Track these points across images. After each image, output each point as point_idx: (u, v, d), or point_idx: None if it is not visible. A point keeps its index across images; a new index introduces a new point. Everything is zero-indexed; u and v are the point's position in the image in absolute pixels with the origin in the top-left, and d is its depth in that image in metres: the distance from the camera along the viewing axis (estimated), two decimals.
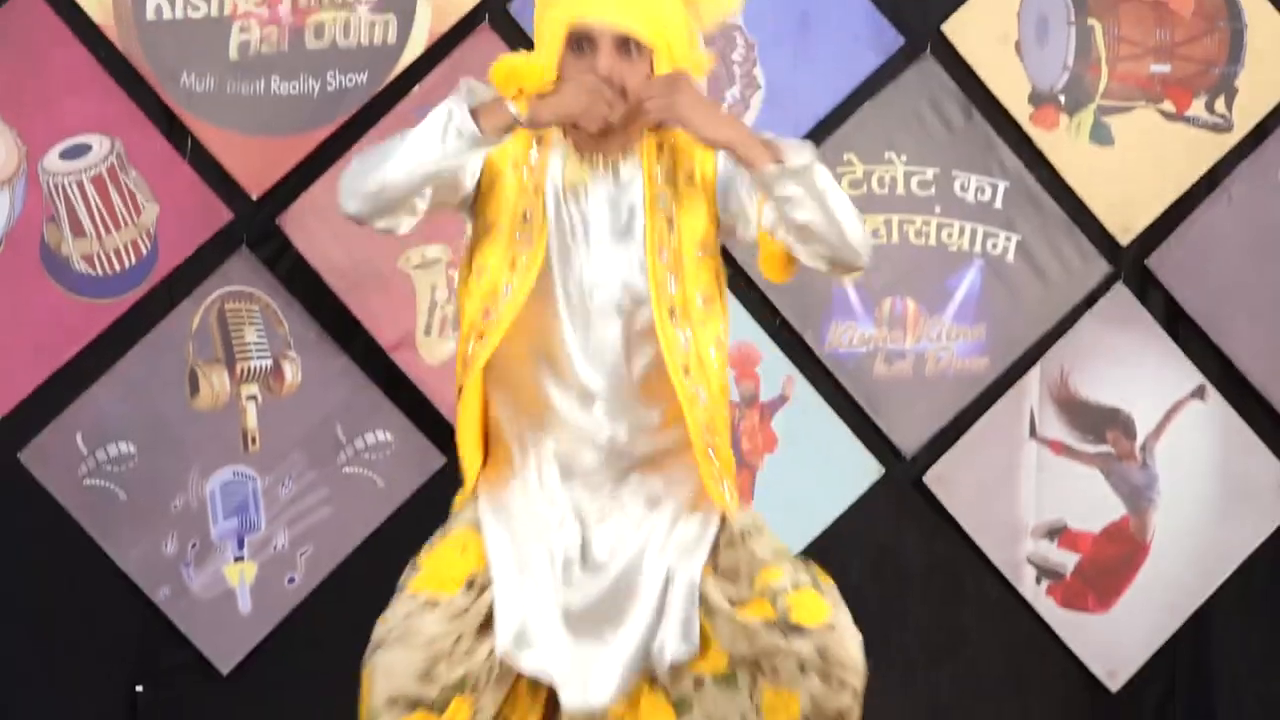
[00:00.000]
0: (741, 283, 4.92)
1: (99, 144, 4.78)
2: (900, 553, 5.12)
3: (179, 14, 4.76)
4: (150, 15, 4.74)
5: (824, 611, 3.08)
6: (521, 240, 3.09)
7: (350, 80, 4.83)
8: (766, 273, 3.19)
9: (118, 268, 4.82)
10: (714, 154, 3.08)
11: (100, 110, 4.77)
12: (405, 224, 3.07)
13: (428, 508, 4.68)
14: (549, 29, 3.01)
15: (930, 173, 5.06)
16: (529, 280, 3.07)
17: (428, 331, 4.89)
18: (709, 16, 3.14)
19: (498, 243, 3.10)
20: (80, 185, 4.78)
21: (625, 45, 2.95)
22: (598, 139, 3.07)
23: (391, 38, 4.84)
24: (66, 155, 4.78)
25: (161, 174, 4.80)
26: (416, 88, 4.83)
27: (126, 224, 4.81)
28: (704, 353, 3.12)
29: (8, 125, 4.73)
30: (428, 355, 4.88)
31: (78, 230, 4.79)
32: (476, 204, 3.14)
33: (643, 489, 3.17)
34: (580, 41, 2.96)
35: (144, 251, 4.82)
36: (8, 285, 4.75)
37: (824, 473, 5.04)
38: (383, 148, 3.01)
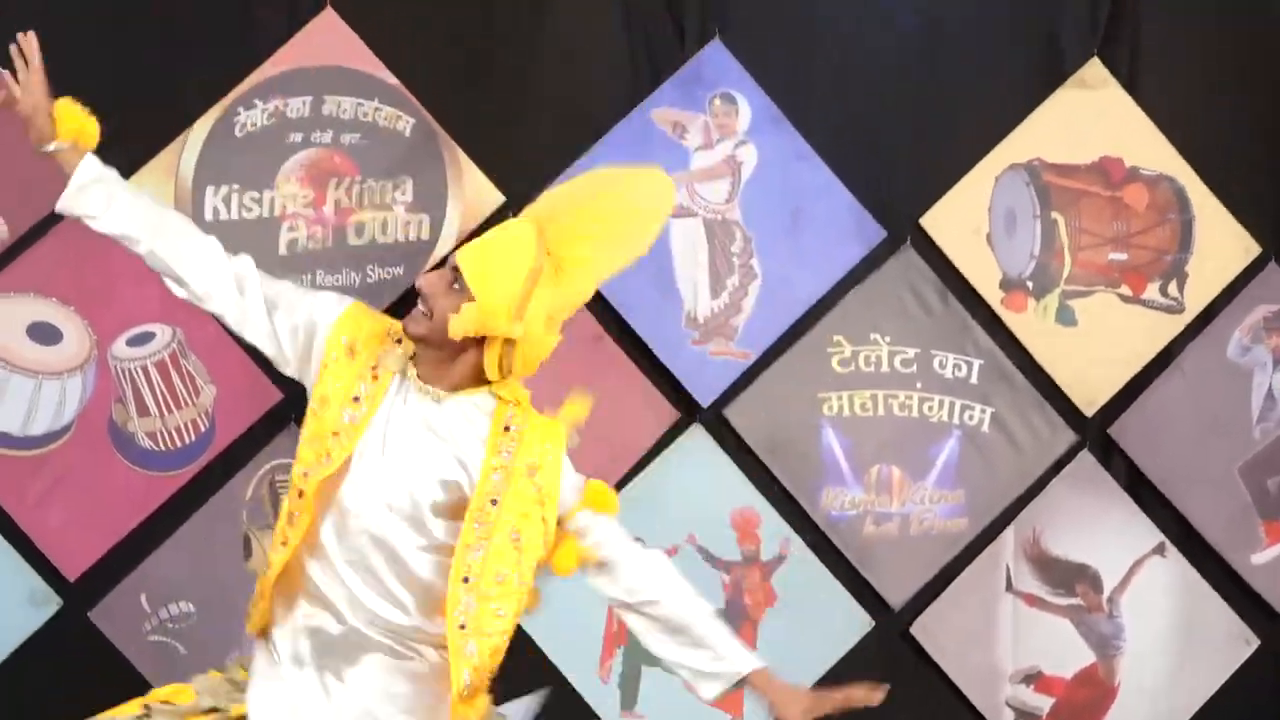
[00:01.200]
0: (745, 453, 5.34)
1: (162, 333, 5.17)
2: (890, 699, 5.35)
3: (234, 214, 5.18)
4: (208, 215, 5.16)
5: None
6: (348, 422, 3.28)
7: (388, 273, 5.24)
8: (556, 567, 3.38)
9: (179, 443, 5.18)
10: (561, 470, 3.33)
11: (163, 302, 4.97)
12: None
13: None
14: None
15: (911, 352, 5.39)
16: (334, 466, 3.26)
17: None
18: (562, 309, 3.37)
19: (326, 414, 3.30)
20: (145, 370, 5.16)
21: (456, 276, 3.21)
22: (431, 368, 3.28)
23: (425, 234, 5.25)
24: (132, 343, 5.15)
25: (218, 359, 5.16)
26: None
27: (186, 404, 5.18)
28: (485, 616, 3.26)
29: (80, 316, 5.12)
30: None
31: (143, 410, 5.16)
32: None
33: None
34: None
35: (202, 429, 5.19)
36: (80, 460, 5.11)
37: (820, 625, 5.35)
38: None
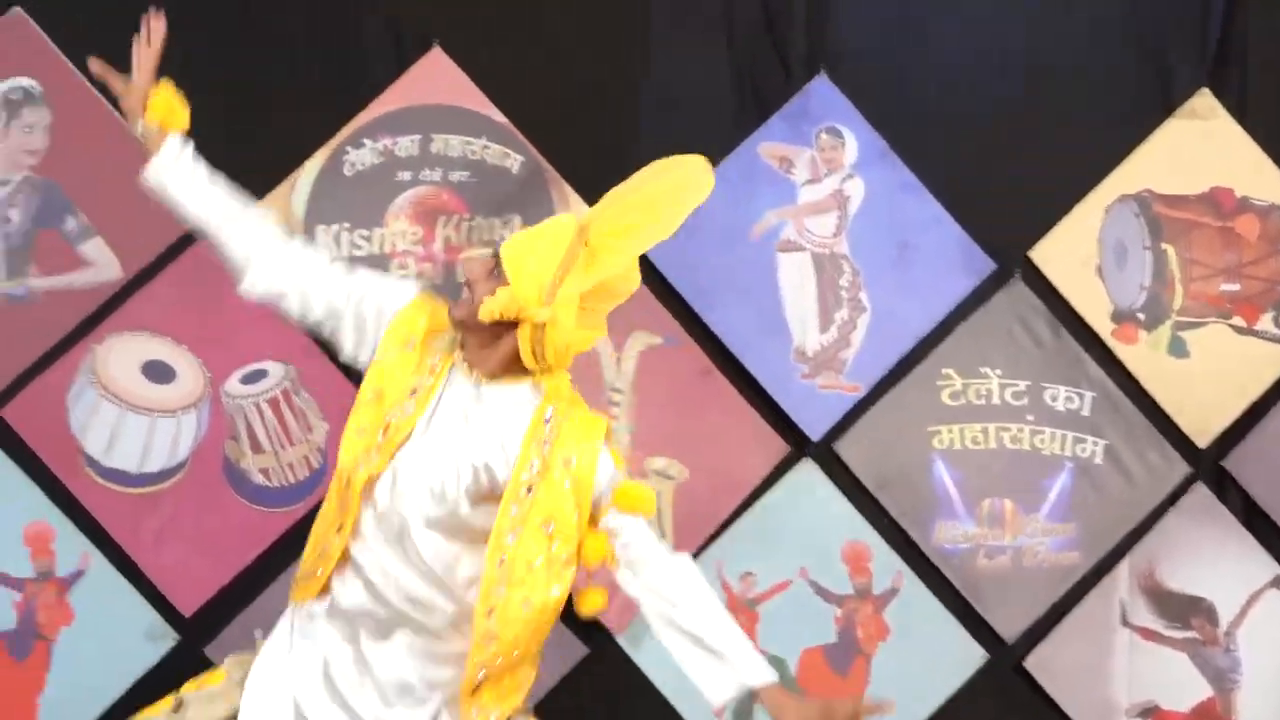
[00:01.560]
0: (855, 487, 5.35)
1: (274, 370, 5.25)
2: None
3: (344, 252, 5.25)
4: None
5: None
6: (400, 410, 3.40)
7: None
8: (584, 557, 3.46)
9: (291, 480, 5.26)
10: (596, 465, 3.40)
11: (275, 340, 5.21)
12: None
13: (575, 691, 5.16)
14: None
15: (1023, 384, 5.38)
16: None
17: None
18: (607, 299, 3.49)
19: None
20: (258, 407, 5.24)
21: (496, 267, 3.36)
22: (475, 352, 3.42)
23: None
24: (246, 380, 5.24)
25: (330, 396, 5.23)
26: None
27: (299, 441, 5.26)
28: (513, 605, 3.38)
29: (194, 354, 5.22)
30: None
31: (256, 447, 5.24)
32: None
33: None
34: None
35: (315, 465, 5.27)
36: (195, 497, 5.19)
37: (933, 658, 5.34)
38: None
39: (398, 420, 3.42)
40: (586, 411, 3.51)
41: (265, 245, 3.62)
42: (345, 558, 3.51)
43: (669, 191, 3.44)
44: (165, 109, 3.60)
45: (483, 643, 3.39)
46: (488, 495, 3.38)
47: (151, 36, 3.60)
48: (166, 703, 3.61)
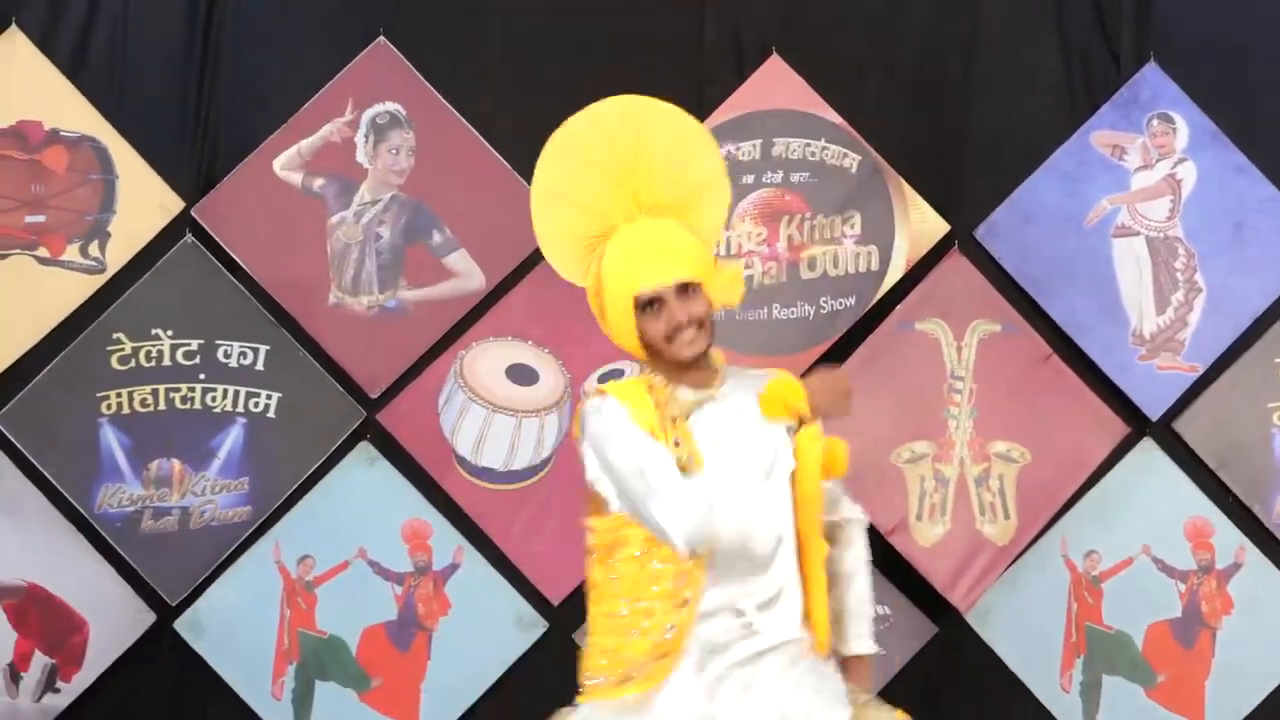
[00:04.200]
0: (1196, 465, 5.57)
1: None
2: None
3: None
4: None
5: None
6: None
7: (841, 304, 5.59)
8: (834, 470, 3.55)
9: None
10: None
11: None
12: None
13: (925, 671, 5.47)
14: (616, 305, 3.47)
15: None
16: None
17: (919, 517, 5.55)
18: (711, 234, 3.62)
19: None
20: None
21: (684, 289, 3.43)
22: (702, 375, 3.50)
23: (874, 265, 5.59)
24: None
25: None
26: (898, 306, 5.57)
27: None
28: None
29: (554, 357, 5.59)
30: (920, 538, 5.54)
31: None
32: None
33: None
34: (648, 304, 3.43)
35: None
36: (559, 491, 5.52)
37: (1277, 631, 5.53)
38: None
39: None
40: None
41: None
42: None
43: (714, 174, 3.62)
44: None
45: (817, 585, 3.56)
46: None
47: None
48: None
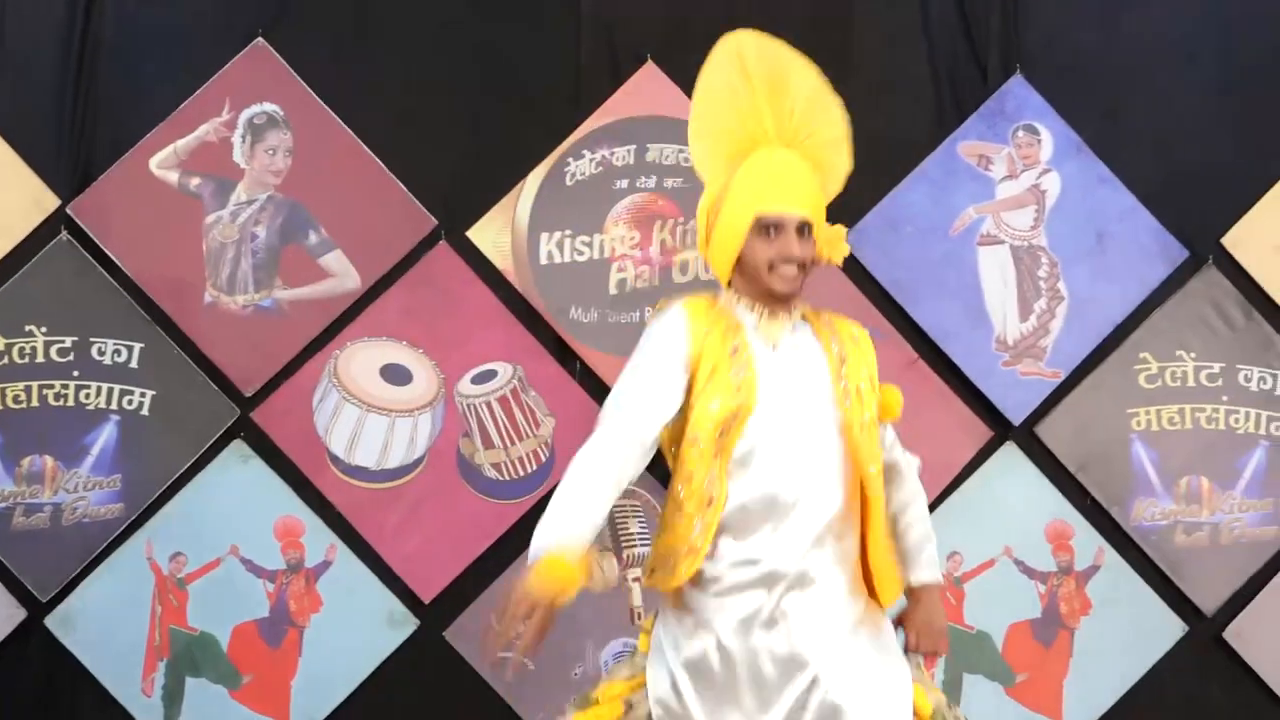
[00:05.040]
0: (1057, 468, 5.69)
1: (503, 370, 5.66)
2: (1206, 703, 5.67)
3: (567, 258, 5.68)
4: (543, 260, 5.66)
5: None
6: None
7: None
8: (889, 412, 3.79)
9: (521, 473, 5.67)
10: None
11: (504, 341, 5.64)
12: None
13: None
14: (733, 216, 3.61)
15: (1217, 367, 5.67)
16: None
17: None
18: (830, 193, 3.81)
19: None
20: (489, 405, 5.66)
21: (802, 229, 3.60)
22: (776, 308, 3.65)
23: None
24: (477, 380, 5.66)
25: (556, 392, 5.65)
26: None
27: (528, 436, 5.67)
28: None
29: (429, 358, 5.66)
30: None
31: (488, 442, 5.66)
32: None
33: None
34: (767, 227, 3.58)
35: (543, 458, 5.67)
36: (431, 490, 5.63)
37: (1134, 632, 5.65)
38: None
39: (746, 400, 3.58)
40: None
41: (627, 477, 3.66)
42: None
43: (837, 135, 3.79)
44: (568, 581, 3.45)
45: (877, 501, 3.70)
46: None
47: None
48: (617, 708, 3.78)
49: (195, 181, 5.62)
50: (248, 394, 5.63)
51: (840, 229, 3.68)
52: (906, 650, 3.82)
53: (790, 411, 3.60)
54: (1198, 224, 5.65)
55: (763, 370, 3.60)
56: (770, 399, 3.58)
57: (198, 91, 5.64)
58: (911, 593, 3.86)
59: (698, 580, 3.65)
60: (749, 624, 3.61)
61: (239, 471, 5.62)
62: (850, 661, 3.58)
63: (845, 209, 5.38)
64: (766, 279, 3.61)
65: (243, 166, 5.64)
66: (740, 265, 3.63)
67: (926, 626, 3.83)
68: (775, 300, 3.64)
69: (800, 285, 3.64)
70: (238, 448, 5.62)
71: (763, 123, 3.73)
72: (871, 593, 3.70)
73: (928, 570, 3.87)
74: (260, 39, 5.65)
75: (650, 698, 3.67)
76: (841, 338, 3.70)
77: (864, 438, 3.62)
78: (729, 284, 3.70)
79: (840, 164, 3.76)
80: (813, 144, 3.71)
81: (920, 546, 3.88)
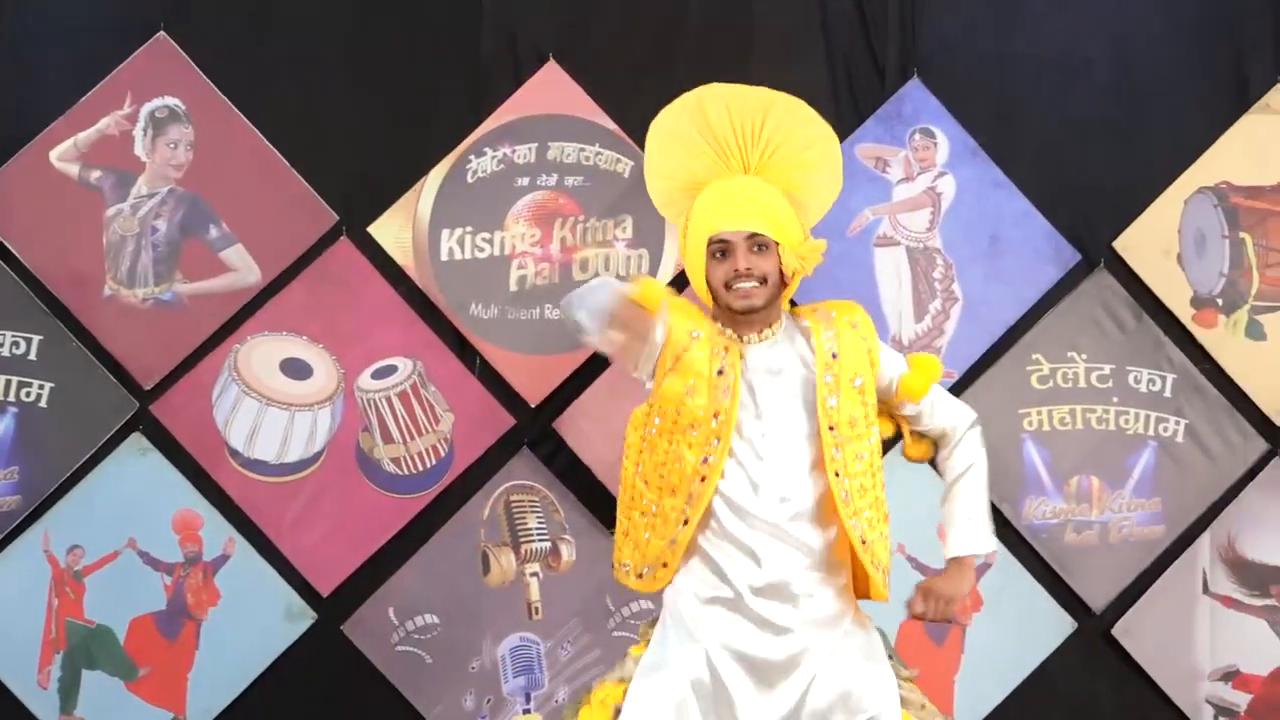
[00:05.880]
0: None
1: (403, 365, 5.73)
2: (1094, 699, 5.79)
3: (467, 255, 5.74)
4: (444, 256, 5.73)
5: None
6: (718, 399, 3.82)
7: None
8: (913, 391, 3.95)
9: (420, 468, 5.74)
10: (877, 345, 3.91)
11: (404, 337, 5.71)
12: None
13: None
14: (693, 246, 3.82)
15: (1108, 368, 5.78)
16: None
17: None
18: (814, 216, 4.00)
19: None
20: (389, 400, 5.72)
21: (757, 244, 3.76)
22: (746, 319, 3.81)
23: (645, 268, 5.77)
24: (377, 375, 5.72)
25: (455, 389, 5.72)
26: None
27: (427, 431, 5.73)
28: (849, 459, 3.85)
29: (329, 353, 5.73)
30: None
31: (387, 437, 5.73)
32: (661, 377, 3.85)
33: None
34: (718, 249, 3.78)
35: (442, 454, 5.73)
36: (331, 485, 5.69)
37: (1025, 628, 5.75)
38: (584, 294, 3.76)
39: (725, 405, 3.80)
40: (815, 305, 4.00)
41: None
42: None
43: (825, 160, 3.97)
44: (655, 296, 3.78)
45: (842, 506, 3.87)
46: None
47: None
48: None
49: (96, 174, 5.66)
50: (147, 387, 5.68)
51: (819, 243, 3.84)
52: (910, 612, 3.95)
53: (759, 422, 3.80)
54: (1090, 228, 5.75)
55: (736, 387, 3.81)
56: (741, 411, 3.80)
57: (99, 85, 5.68)
58: (948, 562, 3.98)
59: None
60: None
61: (137, 464, 5.67)
62: (839, 665, 3.82)
63: None
64: (725, 297, 3.80)
65: (144, 160, 5.68)
66: (709, 287, 3.82)
67: (933, 592, 3.92)
68: (741, 318, 3.81)
69: (764, 300, 3.79)
70: (136, 440, 5.66)
71: (721, 159, 3.91)
72: (865, 593, 3.92)
73: (959, 545, 3.97)
74: (162, 33, 5.69)
75: (680, 679, 3.80)
76: (838, 328, 3.85)
77: (848, 434, 3.80)
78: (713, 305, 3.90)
79: (819, 184, 3.94)
80: (782, 168, 3.86)
81: (956, 520, 3.98)
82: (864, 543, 3.87)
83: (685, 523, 3.81)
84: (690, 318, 3.85)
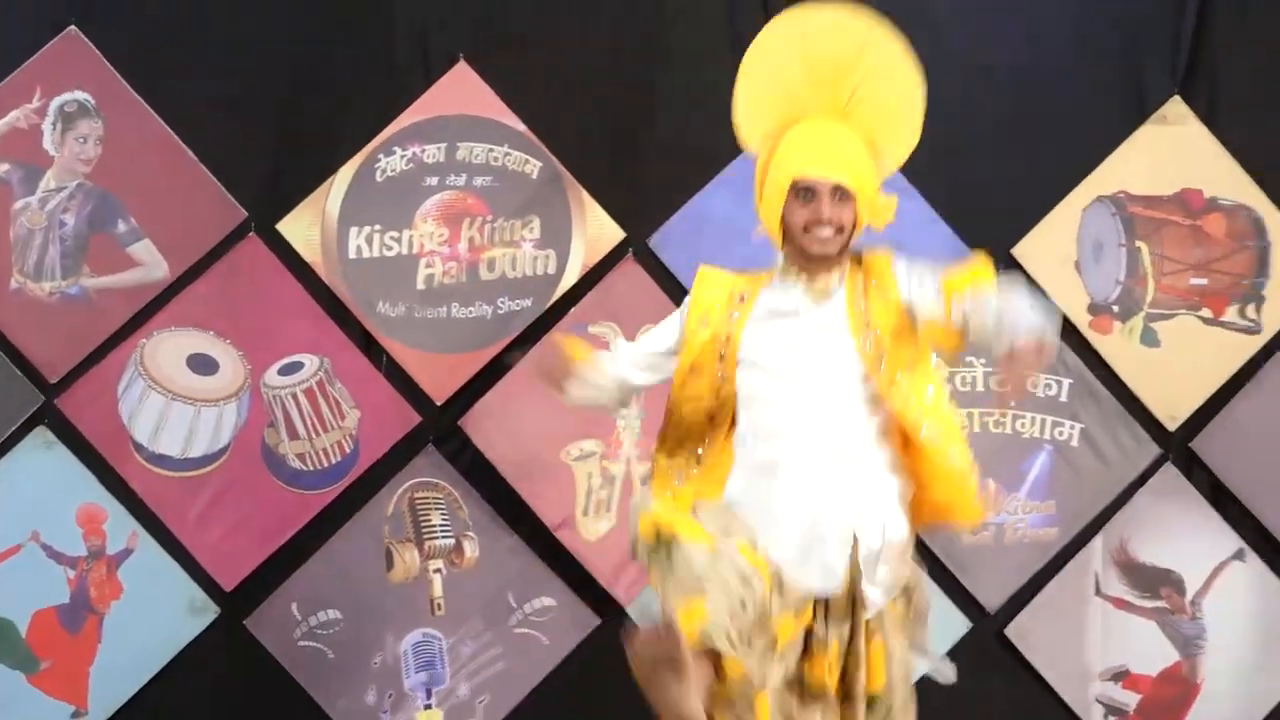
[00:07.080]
0: None
1: (310, 362, 5.81)
2: (987, 697, 5.90)
3: (375, 252, 5.83)
4: (352, 254, 5.82)
5: None
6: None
7: (518, 305, 5.85)
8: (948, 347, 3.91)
9: (326, 464, 5.82)
10: (890, 273, 3.90)
11: (311, 333, 5.78)
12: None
13: (585, 661, 5.77)
14: (774, 183, 3.85)
15: None
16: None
17: (585, 513, 5.84)
18: (887, 169, 4.07)
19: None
20: (295, 396, 5.80)
21: (838, 193, 3.83)
22: (816, 270, 3.89)
23: (551, 269, 5.87)
24: (283, 371, 5.80)
25: (361, 386, 5.80)
26: (573, 309, 5.86)
27: (333, 427, 5.81)
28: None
29: (235, 348, 5.80)
30: (585, 533, 5.84)
31: (293, 433, 5.81)
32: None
33: None
34: (802, 191, 3.84)
35: (347, 450, 5.82)
36: (236, 480, 5.77)
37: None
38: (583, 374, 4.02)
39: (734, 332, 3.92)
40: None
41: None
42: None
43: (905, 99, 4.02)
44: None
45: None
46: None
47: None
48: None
49: (4, 168, 5.73)
50: (52, 381, 5.75)
51: (892, 199, 3.93)
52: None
53: (796, 371, 3.88)
54: (988, 235, 5.77)
55: (774, 325, 3.91)
56: (774, 354, 3.90)
57: (8, 78, 5.74)
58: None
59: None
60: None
61: (42, 458, 5.73)
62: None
63: (651, 211, 5.70)
64: (801, 240, 3.86)
65: (52, 154, 5.73)
66: (783, 227, 3.87)
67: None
68: (813, 261, 3.88)
69: (838, 248, 3.87)
70: (41, 434, 5.72)
71: (813, 98, 3.97)
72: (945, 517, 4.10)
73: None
74: (73, 27, 5.75)
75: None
76: (868, 277, 3.91)
77: (896, 392, 3.85)
78: (782, 246, 3.95)
79: (901, 133, 4.00)
80: (868, 116, 3.92)
81: (1004, 329, 3.83)
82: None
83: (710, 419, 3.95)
84: (705, 305, 4.00)
